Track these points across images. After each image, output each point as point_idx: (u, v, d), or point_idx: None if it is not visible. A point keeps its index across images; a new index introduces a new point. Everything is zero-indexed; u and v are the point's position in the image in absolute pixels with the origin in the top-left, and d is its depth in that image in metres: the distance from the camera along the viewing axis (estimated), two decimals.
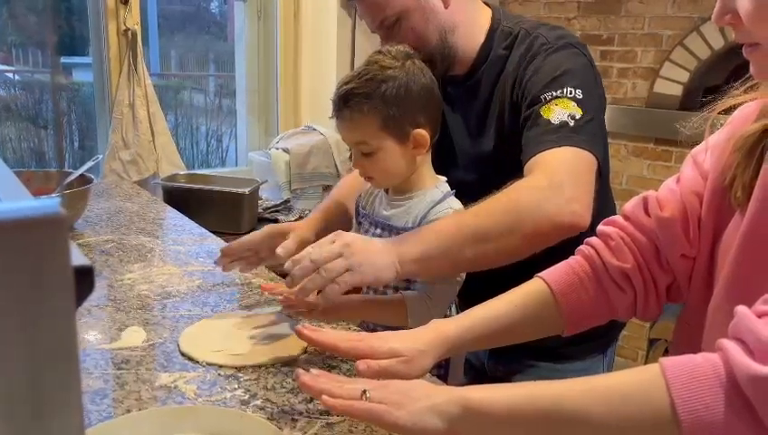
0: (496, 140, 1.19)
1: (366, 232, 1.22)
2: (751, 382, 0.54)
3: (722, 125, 0.82)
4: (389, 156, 1.11)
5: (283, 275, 1.02)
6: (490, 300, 0.90)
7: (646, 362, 1.88)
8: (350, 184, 1.37)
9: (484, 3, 1.27)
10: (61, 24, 3.23)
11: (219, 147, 4.07)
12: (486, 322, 0.88)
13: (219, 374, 0.98)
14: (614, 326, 0.97)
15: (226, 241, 1.64)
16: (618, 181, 2.95)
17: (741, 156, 0.74)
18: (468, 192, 1.08)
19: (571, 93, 1.07)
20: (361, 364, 0.82)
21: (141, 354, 1.03)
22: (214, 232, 1.72)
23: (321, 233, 1.29)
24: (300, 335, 0.89)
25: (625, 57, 2.86)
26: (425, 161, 1.17)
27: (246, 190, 2.36)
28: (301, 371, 0.78)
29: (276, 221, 2.53)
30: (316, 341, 0.87)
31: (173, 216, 1.87)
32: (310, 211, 2.66)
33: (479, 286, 1.11)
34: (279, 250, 1.12)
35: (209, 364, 1.00)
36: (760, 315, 0.57)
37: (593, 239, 0.90)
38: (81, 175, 1.71)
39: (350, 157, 1.19)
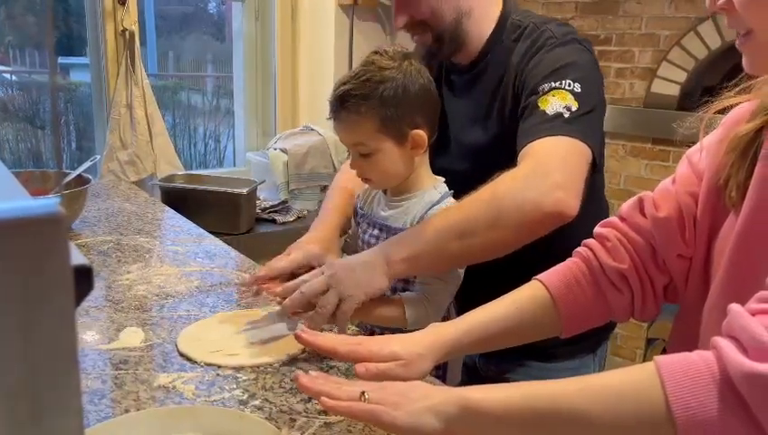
0: (496, 131, 1.19)
1: (364, 232, 1.23)
2: (745, 380, 0.54)
3: (717, 125, 0.83)
4: (387, 157, 1.11)
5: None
6: (488, 303, 0.91)
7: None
8: (347, 178, 1.36)
9: None
10: (58, 25, 3.22)
11: (217, 147, 4.07)
12: (485, 325, 0.89)
13: (218, 374, 0.98)
14: (604, 326, 0.96)
15: (224, 241, 1.64)
16: (615, 181, 2.95)
17: (735, 156, 0.74)
18: (457, 182, 1.08)
19: (569, 86, 1.07)
20: (360, 367, 0.82)
21: (139, 355, 1.03)
22: (212, 232, 1.72)
23: (344, 229, 1.30)
24: (299, 340, 0.89)
25: (622, 57, 2.87)
26: (423, 162, 1.17)
27: (244, 191, 2.36)
28: (300, 372, 0.79)
29: (274, 222, 2.54)
30: (315, 345, 0.88)
31: (171, 216, 1.87)
32: (308, 211, 2.66)
33: (477, 288, 1.11)
34: (282, 262, 1.14)
35: (207, 365, 1.00)
36: (753, 313, 0.58)
37: (590, 241, 0.91)
38: (79, 175, 1.71)
39: (348, 156, 1.18)
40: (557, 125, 1.03)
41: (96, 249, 1.52)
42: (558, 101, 1.05)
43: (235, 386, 0.95)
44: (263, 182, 2.55)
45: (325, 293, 1.00)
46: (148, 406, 0.88)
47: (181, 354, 1.03)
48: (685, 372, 0.57)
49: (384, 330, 1.13)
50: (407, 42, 1.41)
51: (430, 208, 1.13)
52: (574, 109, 1.04)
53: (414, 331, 0.93)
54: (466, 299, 1.09)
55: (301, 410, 0.89)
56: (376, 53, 1.12)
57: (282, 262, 1.15)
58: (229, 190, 2.37)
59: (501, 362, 1.23)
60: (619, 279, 0.86)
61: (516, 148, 1.08)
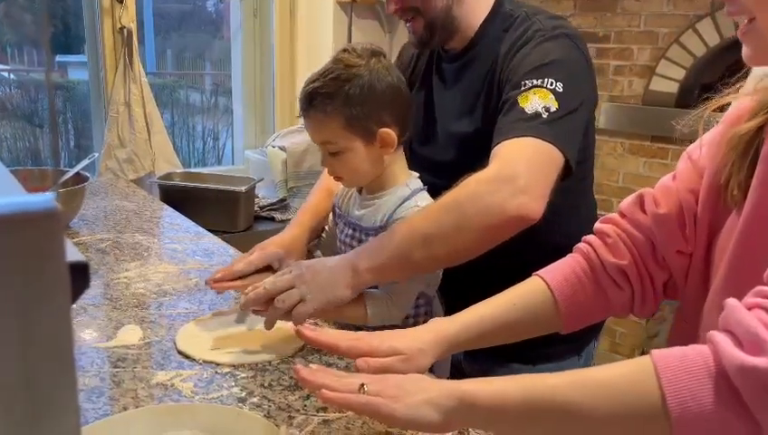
0: (481, 122, 1.18)
1: (341, 232, 1.23)
2: (740, 373, 0.54)
3: (716, 123, 0.82)
4: (356, 155, 1.11)
5: None
6: (488, 299, 0.91)
7: None
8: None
9: None
10: (56, 23, 3.22)
11: (216, 145, 4.07)
12: (485, 321, 0.89)
13: (216, 372, 0.98)
14: (590, 327, 0.96)
15: (223, 239, 1.64)
16: (614, 179, 2.95)
17: (736, 155, 0.74)
18: (442, 172, 1.07)
19: (551, 85, 1.05)
20: (361, 362, 0.82)
21: (138, 353, 1.03)
22: (210, 230, 1.72)
23: (316, 229, 1.30)
24: (300, 335, 0.89)
25: (621, 55, 2.87)
26: (396, 160, 1.16)
27: (243, 189, 2.36)
28: (299, 365, 0.79)
29: (273, 219, 2.53)
30: (316, 341, 0.88)
31: (169, 214, 1.87)
32: None
33: (465, 286, 1.11)
34: (240, 265, 1.15)
35: (206, 362, 1.00)
36: (749, 307, 0.58)
37: (590, 237, 0.91)
38: (77, 173, 1.71)
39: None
40: (532, 126, 1.02)
41: (94, 247, 1.52)
42: (538, 100, 1.04)
43: (233, 383, 0.95)
44: (261, 180, 2.55)
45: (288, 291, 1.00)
46: (146, 404, 0.88)
47: (179, 352, 1.03)
48: (680, 366, 0.57)
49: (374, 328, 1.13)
50: (405, 40, 1.41)
51: (400, 205, 1.12)
52: (554, 109, 1.03)
53: (382, 328, 0.93)
54: (455, 296, 1.09)
55: (299, 407, 0.89)
56: (345, 50, 1.12)
57: (240, 264, 1.15)
58: (228, 188, 2.37)
59: (485, 363, 1.23)
60: (619, 275, 0.86)
61: (492, 142, 1.07)
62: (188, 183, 2.44)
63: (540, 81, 1.05)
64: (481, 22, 1.20)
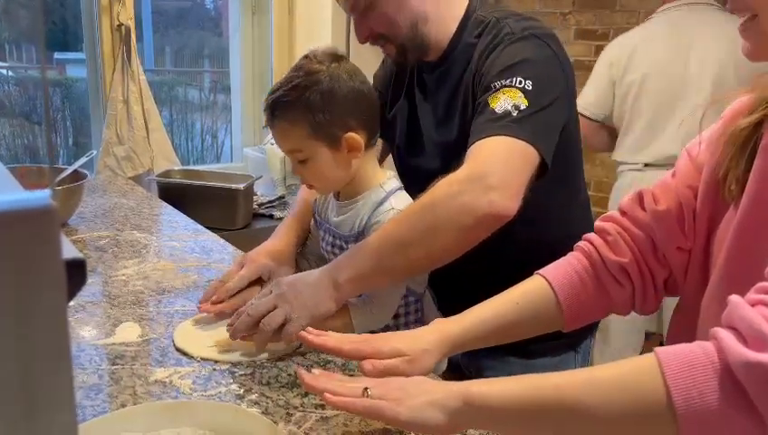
0: (460, 129, 1.18)
1: (322, 239, 1.22)
2: (744, 369, 0.54)
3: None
4: (324, 162, 1.10)
5: None
6: (491, 298, 0.91)
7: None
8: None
9: None
10: (54, 20, 3.21)
11: (214, 142, 4.07)
12: (489, 320, 0.89)
13: (214, 369, 0.98)
14: (586, 325, 0.96)
15: (221, 237, 1.64)
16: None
17: (734, 150, 0.74)
18: (432, 180, 1.06)
19: (520, 83, 1.04)
20: (367, 364, 0.82)
21: (136, 350, 1.03)
22: (209, 228, 1.72)
23: (303, 235, 1.30)
24: (304, 341, 0.89)
25: None
26: (367, 163, 1.15)
27: (241, 186, 2.35)
28: (302, 371, 0.80)
29: (272, 217, 2.53)
30: (321, 346, 0.88)
31: (168, 212, 1.87)
32: None
33: (461, 286, 1.11)
34: (233, 283, 1.16)
35: (204, 359, 1.00)
36: (752, 304, 0.58)
37: (591, 235, 0.91)
38: (75, 171, 1.70)
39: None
40: (502, 125, 1.02)
41: (93, 245, 1.51)
42: (507, 99, 1.03)
43: (231, 381, 0.95)
44: (260, 178, 2.54)
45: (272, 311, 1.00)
46: (144, 401, 0.88)
47: (178, 349, 1.03)
48: (685, 363, 0.58)
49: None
50: None
51: (376, 209, 1.12)
52: (523, 107, 1.02)
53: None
54: (452, 297, 1.09)
55: (297, 404, 0.89)
56: (306, 56, 1.11)
57: (232, 282, 1.16)
58: (226, 186, 2.36)
59: (481, 358, 1.23)
60: (620, 273, 0.87)
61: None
62: (187, 180, 2.43)
63: (508, 80, 1.05)
64: (453, 31, 1.20)
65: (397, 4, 1.15)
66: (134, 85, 2.57)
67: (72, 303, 1.16)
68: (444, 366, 1.17)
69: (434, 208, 0.98)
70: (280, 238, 1.28)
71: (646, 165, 2.20)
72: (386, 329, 1.12)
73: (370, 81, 1.40)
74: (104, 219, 1.72)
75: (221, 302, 1.14)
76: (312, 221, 1.29)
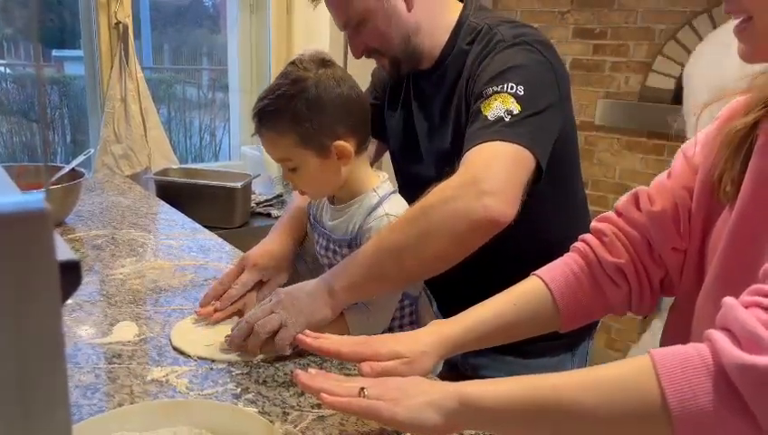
0: (453, 136, 1.18)
1: (317, 243, 1.22)
2: (738, 371, 0.54)
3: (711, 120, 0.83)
4: (313, 170, 1.09)
5: None
6: (488, 299, 0.91)
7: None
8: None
9: None
10: (52, 18, 3.21)
11: (212, 141, 4.06)
12: (486, 322, 0.89)
13: (211, 368, 0.98)
14: (584, 328, 0.96)
15: (219, 235, 1.64)
16: (610, 175, 2.96)
17: (729, 151, 0.74)
18: (428, 187, 1.07)
19: (512, 89, 1.04)
20: (365, 366, 0.83)
21: (133, 349, 1.03)
22: (206, 226, 1.72)
23: (300, 236, 1.30)
24: (302, 345, 0.89)
25: (618, 51, 2.87)
26: (359, 167, 1.14)
27: (239, 184, 2.35)
28: (298, 371, 0.80)
29: (269, 215, 2.53)
30: (319, 349, 0.88)
31: (165, 210, 1.87)
32: None
33: (457, 289, 1.11)
34: (235, 290, 1.17)
35: (201, 359, 1.00)
36: (746, 306, 0.58)
37: (587, 236, 0.91)
38: (73, 169, 1.70)
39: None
40: (495, 130, 1.01)
41: (90, 243, 1.51)
42: (500, 105, 1.03)
43: (228, 380, 0.95)
44: (258, 176, 2.55)
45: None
46: (141, 400, 0.88)
47: (175, 348, 1.03)
48: (679, 364, 0.58)
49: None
50: None
51: (369, 214, 1.11)
52: (516, 112, 1.02)
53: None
54: (449, 301, 1.10)
55: (294, 403, 0.89)
56: (292, 62, 1.10)
57: (235, 289, 1.16)
58: (224, 184, 2.36)
59: (478, 357, 1.23)
60: (616, 273, 0.87)
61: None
62: (184, 179, 2.44)
63: (500, 87, 1.05)
64: (446, 39, 1.20)
65: (388, 19, 1.15)
66: (132, 83, 2.57)
67: (68, 302, 1.16)
68: (440, 367, 1.18)
69: (427, 214, 0.98)
70: (279, 240, 1.27)
71: None
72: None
73: (368, 81, 1.40)
74: (102, 218, 1.72)
75: (223, 308, 1.15)
76: (308, 224, 1.29)
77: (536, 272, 0.92)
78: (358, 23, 1.17)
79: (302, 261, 1.31)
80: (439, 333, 0.89)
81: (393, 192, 1.15)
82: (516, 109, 1.02)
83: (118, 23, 2.52)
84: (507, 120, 1.01)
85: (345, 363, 1.01)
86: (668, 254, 0.84)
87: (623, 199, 0.90)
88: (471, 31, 1.17)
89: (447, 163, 1.08)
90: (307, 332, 0.90)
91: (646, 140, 2.83)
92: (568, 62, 2.94)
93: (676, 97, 2.70)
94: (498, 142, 1.00)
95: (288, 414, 0.86)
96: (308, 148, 1.07)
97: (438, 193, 0.99)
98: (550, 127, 1.08)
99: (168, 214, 1.83)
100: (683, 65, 2.68)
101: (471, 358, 1.25)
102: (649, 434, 0.60)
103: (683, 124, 2.45)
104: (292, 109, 1.04)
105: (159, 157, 2.70)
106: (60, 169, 1.72)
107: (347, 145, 1.08)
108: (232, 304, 1.16)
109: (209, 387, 0.93)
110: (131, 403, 0.87)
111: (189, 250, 1.51)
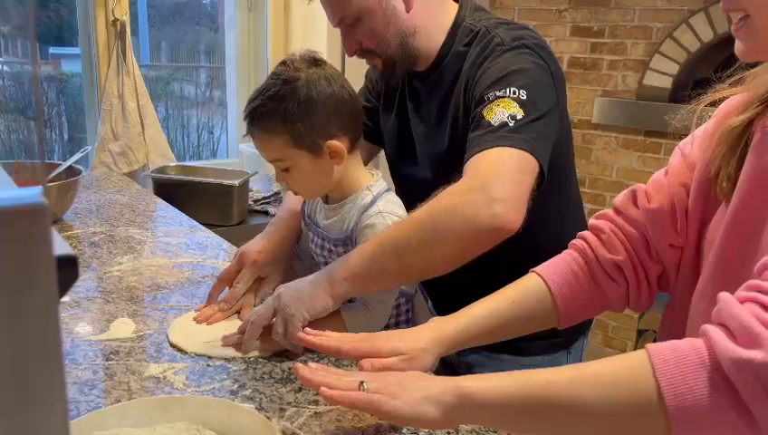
0: (451, 138, 1.17)
1: (311, 241, 1.22)
2: (734, 366, 0.55)
3: (708, 118, 0.83)
4: (306, 170, 1.09)
5: None
6: (487, 296, 0.91)
7: None
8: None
9: None
10: (50, 14, 3.20)
11: (210, 138, 4.06)
12: (485, 318, 0.89)
13: (208, 365, 0.98)
14: (579, 324, 0.96)
15: (217, 233, 1.64)
16: (608, 173, 2.96)
17: (726, 148, 0.74)
18: (424, 190, 1.05)
19: (514, 94, 1.03)
20: (365, 363, 0.83)
21: (130, 346, 1.03)
22: (204, 224, 1.72)
23: (296, 232, 1.30)
24: (303, 342, 0.90)
25: (615, 49, 2.87)
26: (352, 166, 1.14)
27: (236, 182, 2.35)
28: (299, 365, 0.80)
29: (267, 213, 2.53)
30: (320, 346, 0.88)
31: (163, 208, 1.86)
32: None
33: (453, 294, 1.11)
34: (239, 288, 1.19)
35: (198, 355, 1.00)
36: (742, 301, 0.59)
37: (586, 233, 0.92)
38: (70, 167, 1.70)
39: None
40: (500, 136, 1.00)
41: (87, 241, 1.51)
42: (502, 111, 1.02)
43: (225, 376, 0.95)
44: (255, 174, 2.54)
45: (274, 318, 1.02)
46: (138, 396, 0.88)
47: (172, 345, 1.03)
48: (675, 359, 0.58)
49: None
50: None
51: (364, 212, 1.11)
52: (519, 117, 1.01)
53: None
54: (447, 300, 1.10)
55: (291, 399, 0.89)
56: (283, 62, 1.09)
57: (239, 287, 1.18)
58: (221, 182, 2.36)
59: (473, 354, 1.23)
60: (614, 270, 0.87)
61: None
62: (182, 177, 2.43)
63: (502, 91, 1.04)
64: (442, 41, 1.19)
65: (385, 20, 1.14)
66: (129, 81, 2.57)
67: (66, 299, 1.16)
68: (435, 364, 1.18)
69: (433, 218, 0.97)
70: (275, 237, 1.27)
71: None
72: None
73: (364, 80, 1.40)
74: (99, 215, 1.72)
75: (227, 307, 1.17)
76: (302, 222, 1.29)
77: (535, 269, 0.92)
78: (353, 21, 1.16)
79: (298, 260, 1.31)
80: (439, 330, 0.89)
81: (387, 190, 1.15)
82: (520, 114, 1.01)
83: (115, 20, 2.52)
84: (511, 125, 1.00)
85: (342, 360, 1.01)
86: (665, 250, 0.85)
87: (621, 197, 0.90)
88: (468, 33, 1.16)
89: (443, 166, 1.08)
90: (307, 329, 0.91)
91: (643, 139, 2.84)
92: (565, 60, 2.95)
93: (674, 95, 2.71)
94: (503, 148, 0.99)
95: (285, 410, 0.87)
96: (300, 148, 1.07)
97: (446, 198, 0.98)
98: (550, 131, 1.07)
99: (166, 211, 1.83)
100: (680, 64, 2.69)
101: (466, 356, 1.25)
102: (645, 427, 0.61)
103: (680, 122, 2.45)
104: (284, 109, 1.04)
105: (157, 154, 2.70)
106: (57, 166, 1.72)
107: (339, 144, 1.08)
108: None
109: (206, 383, 0.93)
110: (129, 400, 0.87)
111: (187, 247, 1.51)
